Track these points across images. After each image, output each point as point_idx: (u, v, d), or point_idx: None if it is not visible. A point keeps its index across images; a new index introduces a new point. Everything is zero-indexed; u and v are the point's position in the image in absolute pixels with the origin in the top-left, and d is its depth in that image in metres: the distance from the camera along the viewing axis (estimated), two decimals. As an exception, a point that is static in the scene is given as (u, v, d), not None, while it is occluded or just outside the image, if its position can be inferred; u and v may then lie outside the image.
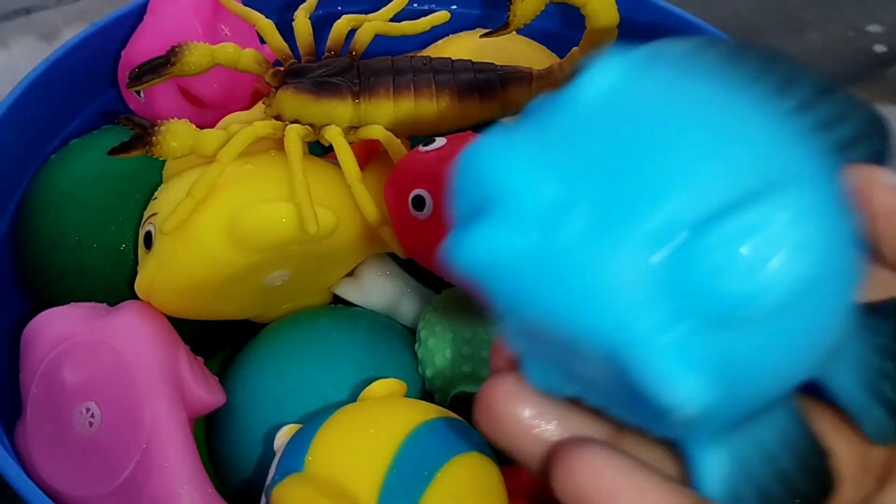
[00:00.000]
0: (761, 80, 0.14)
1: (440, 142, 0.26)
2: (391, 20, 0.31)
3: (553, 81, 0.29)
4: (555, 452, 0.14)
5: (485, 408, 0.15)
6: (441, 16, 0.31)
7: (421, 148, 0.26)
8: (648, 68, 0.13)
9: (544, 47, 0.35)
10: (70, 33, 0.46)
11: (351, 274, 0.30)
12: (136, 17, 0.33)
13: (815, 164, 0.13)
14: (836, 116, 0.14)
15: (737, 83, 0.13)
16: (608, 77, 0.13)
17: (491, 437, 0.15)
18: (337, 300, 0.30)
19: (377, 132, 0.28)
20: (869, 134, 0.14)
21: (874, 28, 0.53)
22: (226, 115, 0.31)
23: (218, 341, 0.31)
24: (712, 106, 0.13)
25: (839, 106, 0.14)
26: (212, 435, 0.28)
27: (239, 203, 0.26)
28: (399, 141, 0.27)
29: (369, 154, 0.30)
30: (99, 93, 0.34)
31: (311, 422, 0.23)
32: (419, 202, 0.25)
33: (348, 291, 0.30)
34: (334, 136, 0.27)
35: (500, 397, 0.15)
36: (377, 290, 0.30)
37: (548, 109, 0.13)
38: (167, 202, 0.27)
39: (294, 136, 0.27)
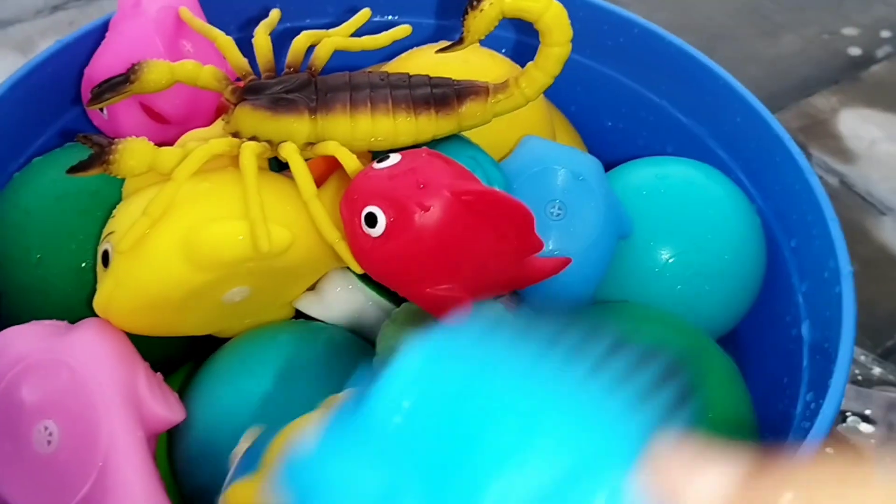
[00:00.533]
0: (556, 347, 0.15)
1: (394, 158, 0.27)
2: (353, 34, 0.31)
3: (509, 95, 0.29)
4: None
5: None
6: (402, 30, 0.32)
7: (374, 165, 0.27)
8: (446, 358, 0.15)
9: (508, 59, 0.35)
10: (46, 46, 0.46)
11: (312, 288, 0.30)
12: (100, 34, 0.34)
13: (613, 433, 0.14)
14: (629, 370, 0.15)
15: (532, 356, 0.14)
16: (409, 372, 0.14)
17: None
18: (299, 315, 0.31)
19: (332, 148, 0.28)
20: (666, 378, 0.15)
21: (849, 31, 0.53)
22: (189, 130, 0.31)
23: (182, 356, 0.32)
24: (507, 393, 0.14)
25: (633, 359, 0.15)
26: (173, 451, 0.29)
27: (193, 221, 0.26)
28: (354, 157, 0.28)
29: (329, 170, 0.30)
30: (64, 110, 0.35)
31: (272, 428, 0.23)
32: (371, 219, 0.26)
33: (310, 306, 0.30)
34: (289, 153, 0.28)
35: None
36: (338, 304, 0.30)
37: (356, 410, 0.14)
38: (124, 220, 0.27)
39: (248, 153, 0.27)
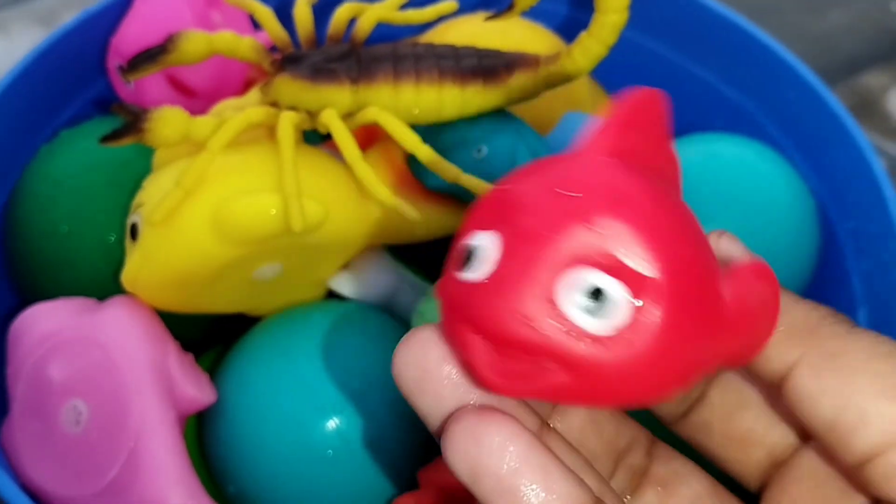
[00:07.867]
0: None
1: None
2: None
3: (560, 68, 0.28)
4: (456, 415, 0.13)
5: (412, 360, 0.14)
6: (448, 5, 0.30)
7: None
8: None
9: (548, 31, 0.34)
10: (70, 18, 0.45)
11: (346, 267, 0.29)
12: (126, 4, 0.32)
13: None
14: None
15: None
16: None
17: (411, 390, 0.14)
18: (332, 294, 0.30)
19: (374, 114, 0.26)
20: None
21: (898, 7, 0.51)
22: (214, 104, 0.30)
23: (211, 337, 0.31)
24: None
25: None
26: (203, 434, 0.28)
27: (225, 194, 0.25)
28: (399, 122, 0.26)
29: (369, 142, 0.29)
30: (90, 81, 0.34)
31: None
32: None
33: (343, 285, 0.29)
34: (330, 119, 0.26)
35: (430, 350, 0.14)
36: (372, 283, 0.29)
37: None
38: (155, 192, 0.26)
39: (287, 123, 0.26)
